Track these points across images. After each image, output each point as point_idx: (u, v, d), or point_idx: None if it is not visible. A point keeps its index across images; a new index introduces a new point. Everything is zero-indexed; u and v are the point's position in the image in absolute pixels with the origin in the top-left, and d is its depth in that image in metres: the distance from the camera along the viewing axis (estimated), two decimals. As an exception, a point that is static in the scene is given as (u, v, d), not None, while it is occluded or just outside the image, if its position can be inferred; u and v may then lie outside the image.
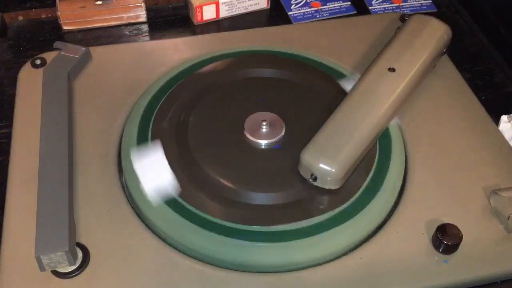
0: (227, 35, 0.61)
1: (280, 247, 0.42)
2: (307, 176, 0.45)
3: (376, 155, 0.48)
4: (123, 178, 0.47)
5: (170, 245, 0.42)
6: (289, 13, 0.68)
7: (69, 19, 0.64)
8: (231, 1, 0.66)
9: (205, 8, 0.65)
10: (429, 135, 0.51)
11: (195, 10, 0.65)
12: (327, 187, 0.44)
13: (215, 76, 0.54)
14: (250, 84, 0.54)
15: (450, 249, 0.42)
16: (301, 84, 0.54)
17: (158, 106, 0.51)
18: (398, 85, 0.49)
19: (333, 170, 0.43)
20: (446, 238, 0.42)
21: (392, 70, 0.50)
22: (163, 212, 0.44)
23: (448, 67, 0.57)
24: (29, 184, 0.45)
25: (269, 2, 0.68)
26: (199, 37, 0.62)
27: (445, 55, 0.57)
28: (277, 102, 0.51)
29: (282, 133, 0.49)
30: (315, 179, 0.44)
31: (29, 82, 0.53)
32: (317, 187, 0.44)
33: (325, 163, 0.43)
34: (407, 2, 0.70)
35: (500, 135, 0.51)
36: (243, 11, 0.67)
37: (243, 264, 0.42)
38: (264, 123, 0.48)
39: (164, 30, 0.65)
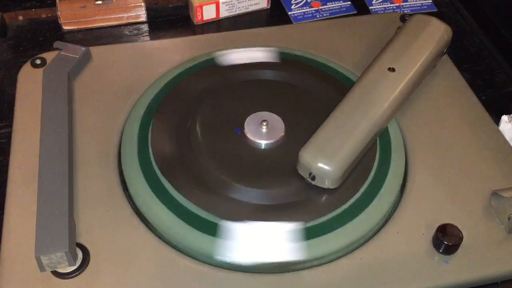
0: (227, 35, 0.61)
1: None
2: (305, 175, 0.45)
3: (376, 155, 0.48)
4: (123, 178, 0.47)
5: (170, 245, 0.42)
6: (289, 13, 0.68)
7: (69, 19, 0.64)
8: (231, 1, 0.66)
9: (205, 7, 0.65)
10: (429, 135, 0.51)
11: (195, 10, 0.65)
12: (325, 186, 0.44)
13: (215, 76, 0.54)
14: (250, 84, 0.54)
15: (450, 249, 0.42)
16: (301, 84, 0.53)
17: (158, 106, 0.51)
18: (398, 85, 0.49)
19: (331, 169, 0.43)
20: (446, 238, 0.42)
21: (392, 70, 0.50)
22: (163, 212, 0.44)
23: (448, 67, 0.57)
24: (29, 184, 0.45)
25: (269, 2, 0.68)
26: (199, 37, 0.61)
27: (446, 55, 0.57)
28: (277, 102, 0.51)
29: (282, 133, 0.49)
30: (313, 178, 0.44)
31: (29, 82, 0.53)
32: (317, 187, 0.44)
33: (323, 162, 0.43)
34: (407, 2, 0.70)
35: (500, 135, 0.51)
36: (243, 11, 0.67)
37: (243, 264, 0.41)
38: (264, 123, 0.48)
39: (164, 30, 0.65)
